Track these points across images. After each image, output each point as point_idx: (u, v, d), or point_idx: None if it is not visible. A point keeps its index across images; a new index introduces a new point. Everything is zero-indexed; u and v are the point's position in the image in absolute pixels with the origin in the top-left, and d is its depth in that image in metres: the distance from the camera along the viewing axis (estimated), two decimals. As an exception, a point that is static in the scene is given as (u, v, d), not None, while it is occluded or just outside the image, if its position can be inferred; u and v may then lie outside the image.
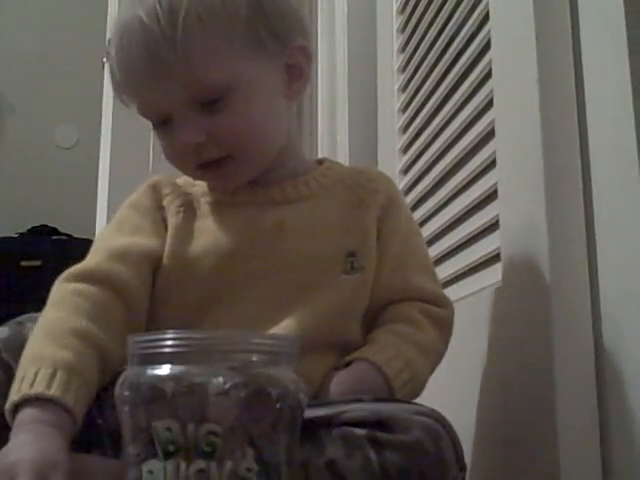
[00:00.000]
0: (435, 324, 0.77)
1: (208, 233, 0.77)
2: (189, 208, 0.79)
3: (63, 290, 0.71)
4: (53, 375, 0.62)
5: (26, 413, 0.60)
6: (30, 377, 0.62)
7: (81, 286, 0.71)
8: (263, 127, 0.77)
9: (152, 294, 0.75)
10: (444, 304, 0.80)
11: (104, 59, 2.24)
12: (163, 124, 0.75)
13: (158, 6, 0.70)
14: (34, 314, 0.72)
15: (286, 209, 0.78)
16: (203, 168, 0.76)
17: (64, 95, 3.18)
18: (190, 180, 0.82)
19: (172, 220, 0.78)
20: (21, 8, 3.28)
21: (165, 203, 0.80)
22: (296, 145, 0.86)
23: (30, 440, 0.57)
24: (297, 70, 0.79)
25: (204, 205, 0.79)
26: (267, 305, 0.73)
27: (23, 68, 3.22)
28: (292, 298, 0.74)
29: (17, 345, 0.68)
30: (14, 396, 0.61)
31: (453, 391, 0.92)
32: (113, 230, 0.79)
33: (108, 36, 1.99)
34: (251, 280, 0.74)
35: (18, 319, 0.73)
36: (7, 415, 0.61)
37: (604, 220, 0.68)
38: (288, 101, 0.80)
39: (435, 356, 0.77)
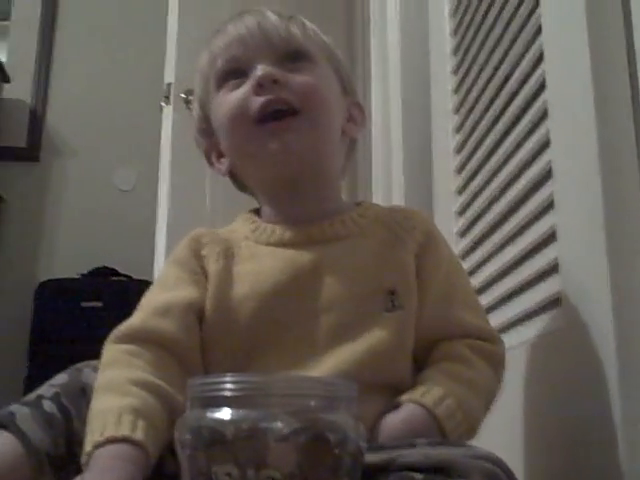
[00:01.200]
0: (486, 361, 0.76)
1: (247, 277, 0.78)
2: (229, 254, 0.81)
3: (114, 351, 0.73)
4: (119, 420, 0.63)
5: (98, 453, 0.61)
6: (98, 429, 0.63)
7: (130, 347, 0.72)
8: (330, 109, 0.84)
9: (200, 342, 0.76)
10: (494, 339, 0.79)
11: (162, 103, 2.31)
12: (236, 79, 0.82)
13: (269, 12, 0.85)
14: (93, 361, 0.74)
15: (324, 249, 0.79)
16: (267, 133, 0.79)
17: (123, 138, 3.26)
18: (230, 227, 0.85)
19: (213, 267, 0.79)
20: (80, 53, 3.38)
21: (205, 252, 0.81)
22: (339, 187, 0.88)
23: (105, 470, 0.59)
24: (352, 117, 0.88)
25: (244, 249, 0.81)
26: (310, 347, 0.74)
27: (83, 112, 3.30)
28: (334, 338, 0.74)
29: (75, 391, 0.70)
30: (86, 447, 0.62)
31: (509, 437, 0.91)
32: (156, 287, 0.81)
33: (167, 81, 2.01)
34: (293, 322, 0.75)
35: (77, 365, 0.75)
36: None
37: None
38: (342, 136, 0.86)
39: (488, 394, 0.75)
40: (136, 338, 0.73)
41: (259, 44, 0.83)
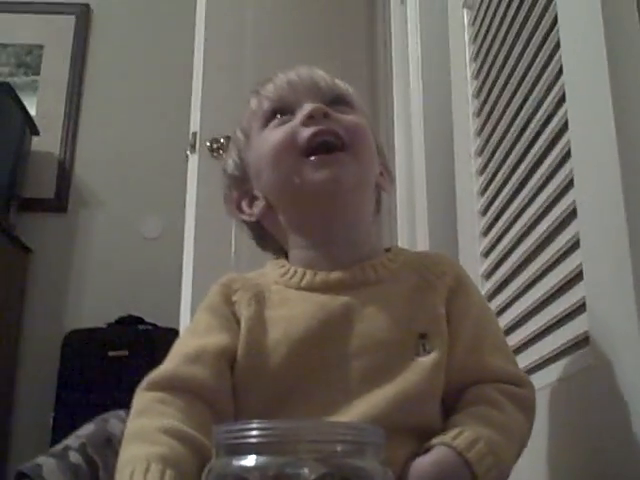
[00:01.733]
0: (517, 405, 0.75)
1: (279, 323, 0.78)
2: (260, 299, 0.81)
3: (145, 399, 0.72)
4: (147, 469, 0.62)
5: None
6: (127, 477, 0.62)
7: (162, 395, 0.72)
8: (372, 152, 0.88)
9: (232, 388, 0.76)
10: (524, 383, 0.78)
11: (187, 152, 2.33)
12: (282, 117, 0.86)
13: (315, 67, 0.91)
14: (119, 411, 0.74)
15: (355, 294, 0.79)
16: (311, 165, 0.81)
17: (150, 187, 3.29)
18: (261, 271, 0.86)
19: (245, 313, 0.79)
20: (107, 105, 3.44)
21: (236, 298, 0.81)
22: (371, 232, 0.89)
23: None
24: (382, 177, 0.91)
25: (274, 294, 0.81)
26: (341, 392, 0.73)
27: (110, 162, 3.35)
28: (366, 383, 0.73)
29: (101, 441, 0.71)
30: None
31: (540, 475, 0.89)
32: (188, 334, 0.81)
33: (192, 130, 2.06)
34: (324, 367, 0.75)
35: (104, 416, 0.75)
36: None
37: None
38: (375, 188, 0.89)
39: (520, 438, 0.74)
40: (167, 386, 0.73)
41: (307, 87, 0.87)
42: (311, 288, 0.81)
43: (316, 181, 0.81)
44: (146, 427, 0.68)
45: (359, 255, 0.83)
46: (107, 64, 3.51)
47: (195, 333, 0.80)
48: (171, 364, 0.76)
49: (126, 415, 0.73)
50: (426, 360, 0.75)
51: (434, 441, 0.70)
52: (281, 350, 0.76)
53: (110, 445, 0.71)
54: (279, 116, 0.86)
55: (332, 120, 0.83)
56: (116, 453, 0.67)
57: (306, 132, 0.83)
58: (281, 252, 0.89)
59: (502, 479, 0.70)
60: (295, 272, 0.83)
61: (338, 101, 0.87)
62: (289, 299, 0.80)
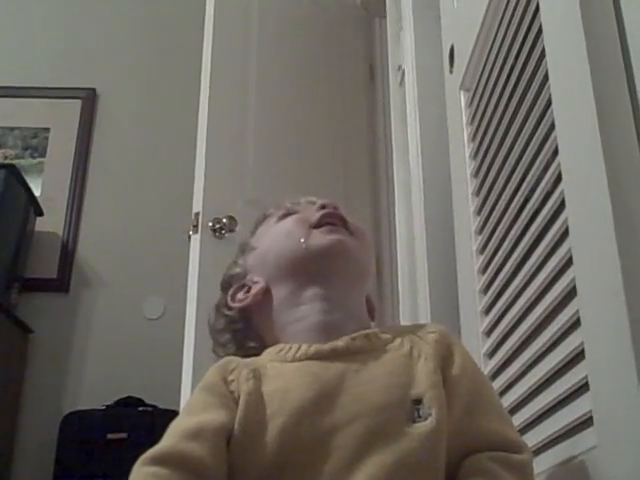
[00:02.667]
0: (514, 472, 0.74)
1: (275, 396, 0.79)
2: (257, 375, 0.82)
3: (141, 473, 0.72)
4: None
5: None
6: None
7: (157, 469, 0.72)
8: (371, 256, 0.99)
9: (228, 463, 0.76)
10: (520, 448, 0.77)
11: (190, 232, 2.35)
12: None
13: None
14: None
15: (349, 362, 0.81)
16: (325, 230, 0.92)
17: (152, 268, 3.30)
18: (257, 356, 0.88)
19: (243, 388, 0.80)
20: (110, 187, 3.48)
21: (233, 376, 0.82)
22: (365, 313, 0.95)
23: None
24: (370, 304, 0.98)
25: (270, 370, 0.83)
26: (339, 460, 0.73)
27: (113, 244, 3.37)
28: (362, 450, 0.73)
29: None
30: None
31: None
32: (185, 413, 0.81)
33: (195, 210, 2.09)
34: (320, 436, 0.75)
35: None
36: None
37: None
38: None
39: None
40: (164, 461, 0.72)
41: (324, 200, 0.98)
42: (305, 358, 0.83)
43: (323, 243, 0.91)
44: None
45: (353, 328, 0.86)
46: (112, 147, 3.57)
47: (192, 412, 0.80)
48: (169, 441, 0.76)
49: None
50: (422, 426, 0.75)
51: None
52: (277, 422, 0.76)
53: None
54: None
55: (342, 214, 0.95)
56: None
57: (318, 213, 0.95)
58: (259, 349, 0.92)
59: None
60: (290, 347, 0.85)
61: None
62: (284, 372, 0.82)
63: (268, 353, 0.87)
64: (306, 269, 0.90)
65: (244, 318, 0.96)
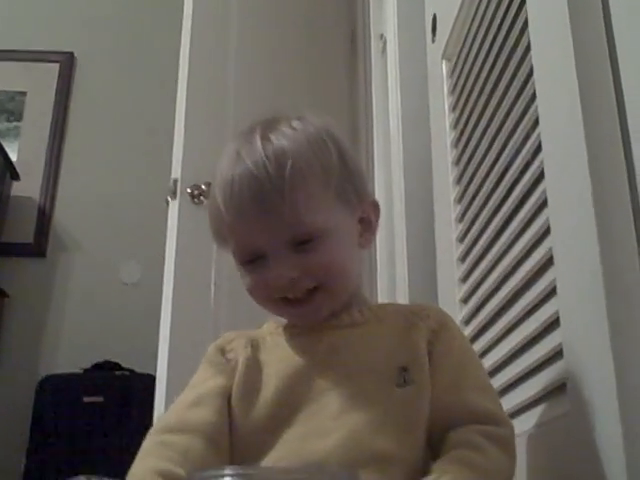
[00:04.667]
0: (498, 446, 0.76)
1: (272, 363, 0.84)
2: (255, 345, 0.87)
3: (150, 442, 0.79)
4: None
5: None
6: None
7: (166, 437, 0.78)
8: (347, 266, 0.85)
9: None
10: (503, 422, 0.80)
11: (168, 198, 2.34)
12: (253, 261, 0.83)
13: (265, 159, 0.80)
14: (80, 476, 0.80)
15: (340, 333, 0.85)
16: (289, 304, 0.84)
17: (129, 233, 3.29)
18: (257, 330, 0.91)
19: (241, 356, 0.86)
20: (88, 152, 3.46)
21: (231, 347, 0.88)
22: (361, 290, 0.94)
23: None
24: (367, 223, 0.89)
25: (269, 341, 0.88)
26: (327, 417, 0.78)
27: (90, 208, 3.35)
28: (347, 409, 0.78)
29: None
30: None
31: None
32: (188, 389, 0.86)
33: (173, 176, 2.06)
34: (309, 398, 0.80)
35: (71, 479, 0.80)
36: None
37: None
38: (359, 249, 0.89)
39: (500, 478, 0.75)
40: (170, 429, 0.80)
41: (265, 234, 0.81)
42: (302, 334, 0.86)
43: (293, 314, 0.86)
44: (143, 469, 0.74)
45: (347, 304, 0.88)
46: (89, 111, 3.53)
47: (194, 386, 0.86)
48: (174, 412, 0.83)
49: (85, 478, 0.79)
50: (405, 391, 0.79)
51: None
52: (271, 386, 0.82)
53: None
54: (248, 263, 0.84)
55: (299, 279, 0.81)
56: None
57: (275, 298, 0.83)
58: None
59: None
60: (287, 325, 0.89)
61: (301, 241, 0.81)
62: (281, 344, 0.87)
63: (267, 327, 0.91)
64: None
65: None
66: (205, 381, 0.85)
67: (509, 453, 0.77)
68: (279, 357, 0.85)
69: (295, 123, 0.85)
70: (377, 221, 0.91)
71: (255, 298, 0.85)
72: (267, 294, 0.84)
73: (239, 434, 0.81)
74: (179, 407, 0.83)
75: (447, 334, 0.85)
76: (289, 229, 0.80)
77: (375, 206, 0.91)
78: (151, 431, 0.81)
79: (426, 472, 0.74)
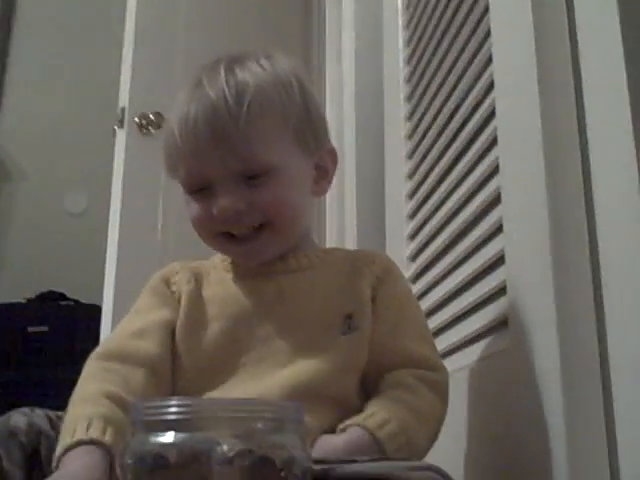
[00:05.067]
0: (430, 388, 0.79)
1: (215, 300, 0.84)
2: (199, 278, 0.86)
3: (91, 366, 0.78)
4: (89, 425, 0.68)
5: (67, 455, 0.66)
6: (69, 433, 0.68)
7: (109, 364, 0.78)
8: (297, 207, 0.84)
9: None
10: (438, 368, 0.82)
11: (115, 127, 2.28)
12: (201, 191, 0.81)
13: (227, 89, 0.79)
14: (23, 408, 0.76)
15: (286, 278, 0.84)
16: (233, 241, 0.82)
17: (75, 162, 3.22)
18: (205, 261, 0.90)
19: (184, 289, 0.85)
20: (32, 76, 3.35)
21: (176, 279, 0.87)
22: (311, 236, 0.92)
23: (72, 468, 0.65)
24: (324, 171, 0.88)
25: (212, 275, 0.87)
26: (271, 364, 0.78)
27: (35, 135, 3.27)
28: (293, 356, 0.78)
29: (4, 435, 0.72)
30: (57, 452, 0.67)
31: (458, 459, 0.91)
32: (131, 314, 0.86)
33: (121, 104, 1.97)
34: (255, 343, 0.80)
35: (9, 413, 0.76)
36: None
37: (611, 278, 0.68)
38: (313, 196, 0.88)
39: (433, 420, 0.78)
40: (114, 356, 0.79)
41: (216, 163, 0.79)
42: (247, 275, 0.85)
43: (237, 252, 0.85)
44: (89, 391, 0.74)
45: (295, 248, 0.87)
46: (34, 37, 3.41)
47: (138, 313, 0.85)
48: (116, 340, 0.82)
49: (30, 411, 0.76)
50: (350, 338, 0.80)
51: (347, 422, 0.73)
52: (215, 326, 0.81)
53: (14, 437, 0.72)
54: (196, 192, 0.82)
55: (245, 213, 0.79)
56: (20, 445, 0.71)
57: (219, 227, 0.81)
58: None
59: (416, 458, 0.71)
60: (233, 261, 0.87)
61: (253, 175, 0.80)
62: (226, 281, 0.85)
63: (214, 261, 0.89)
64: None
65: None
66: (149, 311, 0.84)
67: (442, 397, 0.80)
68: (223, 296, 0.84)
69: (263, 61, 0.83)
70: (334, 170, 0.90)
71: (199, 232, 0.83)
72: (211, 227, 0.82)
73: (181, 371, 0.80)
74: (122, 334, 0.82)
75: (391, 281, 0.86)
76: (241, 161, 0.79)
77: (333, 155, 0.90)
78: (92, 355, 0.79)
79: (360, 411, 0.75)
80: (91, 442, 0.66)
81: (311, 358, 0.78)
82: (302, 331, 0.80)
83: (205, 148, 0.79)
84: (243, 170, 0.79)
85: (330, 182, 0.90)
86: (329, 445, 0.71)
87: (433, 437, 0.77)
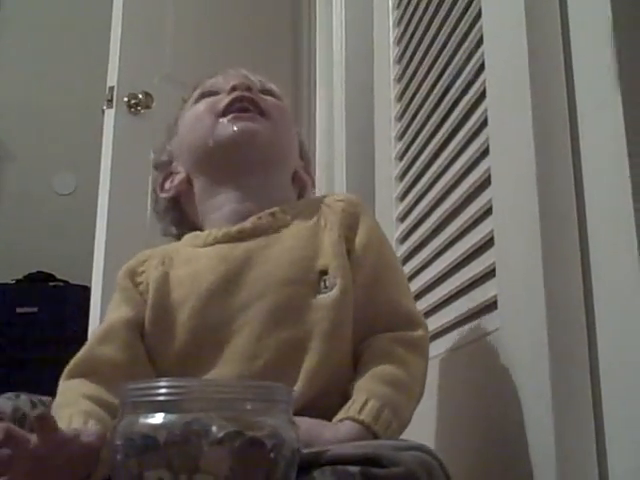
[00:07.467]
0: (416, 352, 0.77)
1: (185, 280, 0.82)
2: (167, 261, 0.85)
3: (65, 385, 0.76)
4: (70, 421, 0.66)
5: None
6: None
7: (71, 382, 0.76)
8: (287, 137, 0.94)
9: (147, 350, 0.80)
10: (419, 324, 0.80)
11: (103, 107, 2.27)
12: (215, 94, 0.92)
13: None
14: (9, 393, 0.77)
15: (254, 242, 0.83)
16: (237, 118, 0.89)
17: (63, 142, 3.20)
18: (174, 243, 0.91)
19: (152, 276, 0.84)
20: (20, 56, 3.32)
21: (143, 268, 0.86)
22: (293, 198, 0.94)
23: None
24: (300, 181, 0.96)
25: (182, 254, 0.86)
26: (248, 335, 0.76)
27: (23, 115, 3.24)
28: (270, 324, 0.76)
29: None
30: None
31: (447, 440, 0.91)
32: (106, 315, 0.85)
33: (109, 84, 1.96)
34: (229, 315, 0.78)
35: None
36: None
37: (599, 259, 0.68)
38: (293, 182, 0.95)
39: (420, 387, 0.77)
40: (77, 372, 0.77)
41: (237, 76, 0.94)
42: (215, 242, 0.85)
43: (227, 134, 0.88)
44: (68, 396, 0.73)
45: (273, 202, 0.87)
46: (21, 16, 3.37)
47: (108, 311, 0.85)
48: (85, 348, 0.80)
49: (15, 397, 0.77)
50: (327, 297, 0.77)
51: (341, 415, 0.70)
52: (186, 306, 0.80)
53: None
54: (210, 96, 0.93)
55: (254, 94, 0.91)
56: None
57: (227, 99, 0.90)
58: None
59: (400, 429, 0.72)
60: (201, 234, 0.87)
61: (265, 92, 0.94)
62: (195, 257, 0.84)
63: (184, 239, 0.89)
64: (216, 162, 0.89)
65: (175, 206, 0.95)
66: (114, 310, 0.83)
67: (424, 356, 0.79)
68: (193, 273, 0.82)
69: None
70: (309, 187, 0.97)
71: (197, 119, 0.91)
72: (218, 110, 0.89)
73: (159, 364, 0.79)
74: (90, 342, 0.80)
75: (363, 228, 0.83)
76: (260, 82, 0.95)
77: (309, 173, 0.99)
78: (65, 373, 0.77)
79: (352, 380, 0.74)
80: None
81: (289, 329, 0.76)
82: (275, 294, 0.77)
83: (232, 70, 0.96)
84: (259, 86, 0.93)
85: (307, 187, 0.97)
86: (326, 444, 0.66)
87: (419, 400, 0.76)
